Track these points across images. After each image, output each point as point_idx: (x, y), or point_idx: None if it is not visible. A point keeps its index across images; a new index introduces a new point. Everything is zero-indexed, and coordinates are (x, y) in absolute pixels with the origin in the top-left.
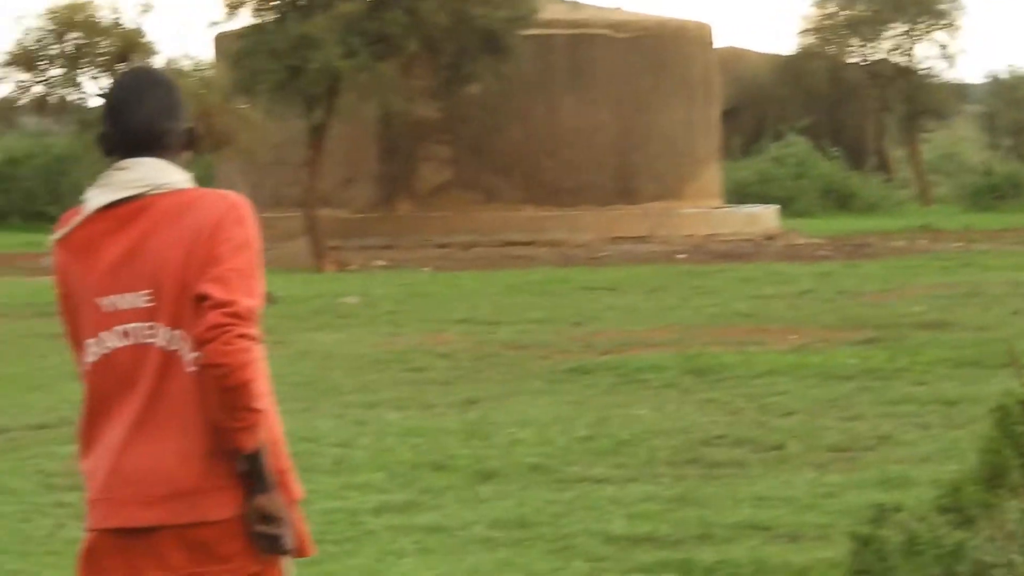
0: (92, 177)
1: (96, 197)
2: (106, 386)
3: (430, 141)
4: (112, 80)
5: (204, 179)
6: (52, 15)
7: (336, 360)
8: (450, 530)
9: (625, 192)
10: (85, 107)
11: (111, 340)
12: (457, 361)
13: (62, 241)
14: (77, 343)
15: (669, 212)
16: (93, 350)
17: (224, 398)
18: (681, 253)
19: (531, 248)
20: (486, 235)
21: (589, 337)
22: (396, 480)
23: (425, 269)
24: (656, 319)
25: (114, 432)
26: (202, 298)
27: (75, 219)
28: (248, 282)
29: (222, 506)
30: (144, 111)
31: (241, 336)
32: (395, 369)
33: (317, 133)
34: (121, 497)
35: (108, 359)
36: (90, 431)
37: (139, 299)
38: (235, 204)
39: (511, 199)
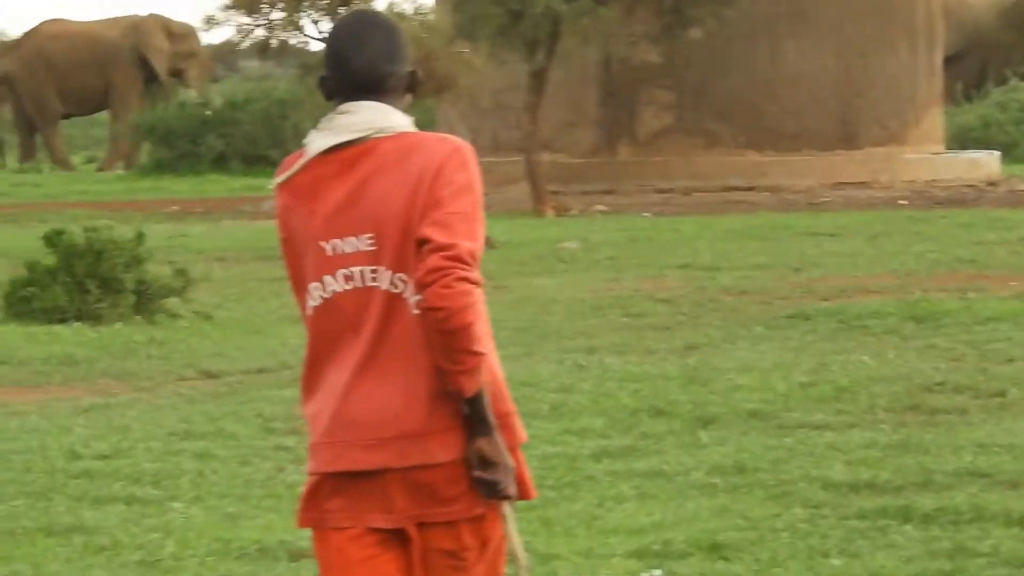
0: (313, 121)
1: (319, 140)
2: (329, 330)
3: (651, 86)
4: (334, 23)
5: (424, 123)
6: None
7: (556, 305)
8: (669, 476)
9: (847, 137)
10: (307, 50)
11: (334, 284)
12: (677, 307)
13: (285, 184)
14: (299, 287)
15: (891, 157)
16: (316, 294)
17: (444, 341)
18: (902, 199)
19: (752, 193)
20: (706, 180)
21: (810, 283)
22: (616, 425)
23: (645, 214)
24: (877, 265)
25: (338, 376)
26: (423, 241)
27: (298, 162)
28: (469, 225)
29: (446, 448)
30: (366, 54)
31: (461, 279)
32: (615, 314)
33: (538, 77)
34: (345, 440)
35: (331, 303)
36: (313, 375)
37: (362, 242)
38: (458, 148)
39: (732, 144)
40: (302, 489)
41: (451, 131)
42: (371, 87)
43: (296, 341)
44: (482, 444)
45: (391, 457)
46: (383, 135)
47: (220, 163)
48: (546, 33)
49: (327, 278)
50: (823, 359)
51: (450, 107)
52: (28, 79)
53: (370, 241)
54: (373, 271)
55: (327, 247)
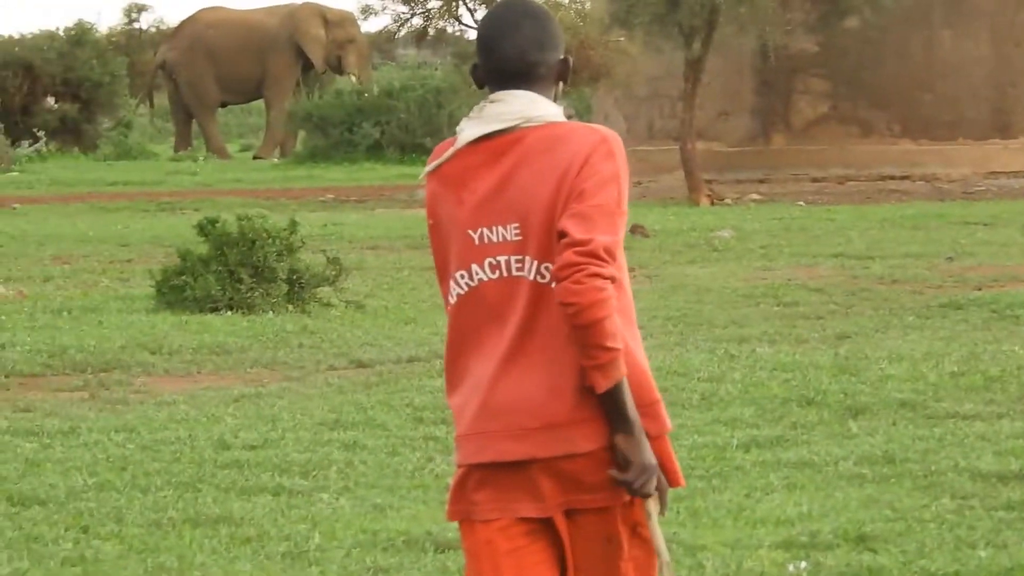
0: (468, 109)
1: (469, 129)
2: (475, 319)
3: (807, 74)
4: (487, 11)
5: (580, 111)
6: None
7: (708, 294)
8: (818, 466)
9: (1002, 126)
10: (463, 39)
11: (481, 272)
12: (829, 296)
13: (435, 173)
14: (445, 275)
15: None
16: (463, 282)
17: (577, 335)
18: None
19: (906, 182)
20: (861, 169)
21: (962, 272)
22: (765, 415)
23: (799, 203)
24: None
25: (483, 367)
26: (562, 234)
27: (448, 151)
28: (610, 219)
29: (591, 438)
30: (517, 43)
31: (593, 275)
32: (767, 303)
33: (694, 66)
34: (492, 431)
35: (477, 291)
36: (457, 366)
37: (509, 231)
38: (605, 138)
39: (887, 133)
40: (450, 481)
41: (606, 119)
42: (522, 75)
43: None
44: (619, 441)
45: (536, 447)
46: (532, 124)
47: (375, 151)
48: (703, 21)
49: (474, 266)
50: (974, 348)
51: (605, 95)
52: (187, 67)
53: (516, 231)
54: (519, 261)
55: (474, 235)
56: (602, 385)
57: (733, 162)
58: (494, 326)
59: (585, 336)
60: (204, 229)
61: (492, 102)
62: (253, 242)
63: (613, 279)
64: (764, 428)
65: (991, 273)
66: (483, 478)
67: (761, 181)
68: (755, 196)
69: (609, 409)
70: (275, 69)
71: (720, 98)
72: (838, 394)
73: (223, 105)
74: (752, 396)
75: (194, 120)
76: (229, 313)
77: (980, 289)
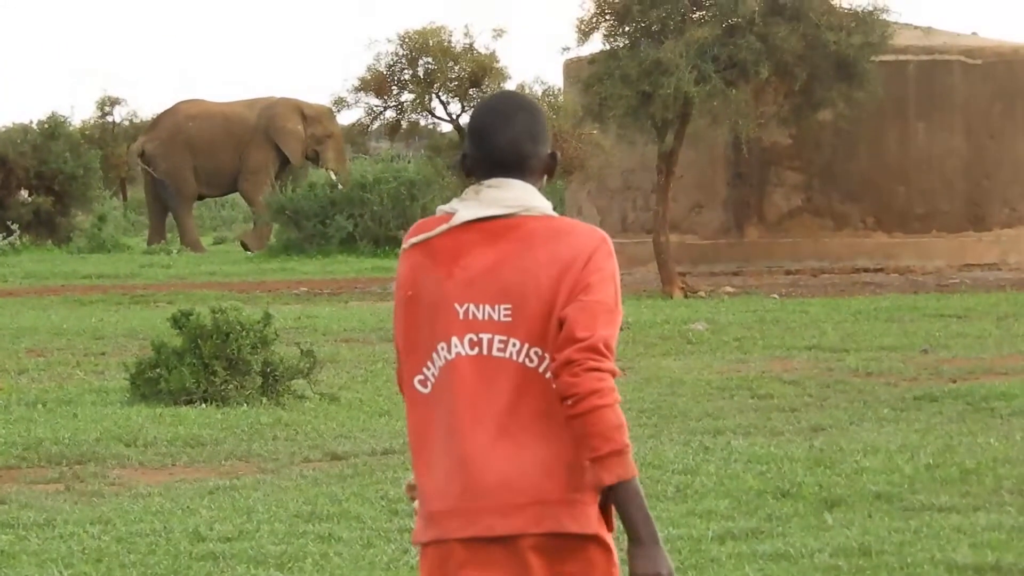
0: (443, 201)
1: (466, 210)
2: (452, 395)
3: (780, 167)
4: (480, 102)
5: (553, 204)
6: (404, 40)
7: (683, 386)
8: (794, 558)
9: (976, 219)
10: (436, 132)
11: (460, 346)
12: (804, 388)
13: (421, 245)
14: (411, 348)
15: (1020, 239)
16: (442, 354)
17: (576, 427)
18: None
19: (880, 275)
20: (835, 261)
21: (937, 364)
22: (740, 507)
23: (773, 295)
24: (1006, 347)
25: (465, 444)
26: (563, 323)
27: (442, 226)
28: (609, 315)
29: (579, 520)
30: (511, 134)
31: (591, 368)
32: (742, 396)
33: (667, 159)
34: (480, 508)
35: (453, 365)
36: (430, 444)
37: (497, 312)
38: (605, 238)
39: (861, 226)
40: (422, 562)
41: (579, 212)
42: (513, 166)
43: None
44: (629, 549)
45: (525, 523)
46: (531, 214)
47: (349, 244)
48: (676, 114)
49: (454, 339)
50: (949, 441)
51: (579, 188)
52: (165, 158)
53: (507, 312)
54: (502, 341)
55: (460, 310)
56: (605, 479)
57: (707, 255)
58: (475, 404)
59: (584, 426)
60: (178, 322)
61: (491, 187)
62: (227, 335)
63: (613, 373)
64: (739, 520)
65: (966, 365)
66: (466, 555)
67: (735, 274)
68: (729, 288)
69: (620, 512)
70: (253, 162)
71: (694, 191)
72: (813, 486)
73: (200, 198)
74: (727, 488)
75: (169, 213)
76: (203, 405)
77: (955, 381)
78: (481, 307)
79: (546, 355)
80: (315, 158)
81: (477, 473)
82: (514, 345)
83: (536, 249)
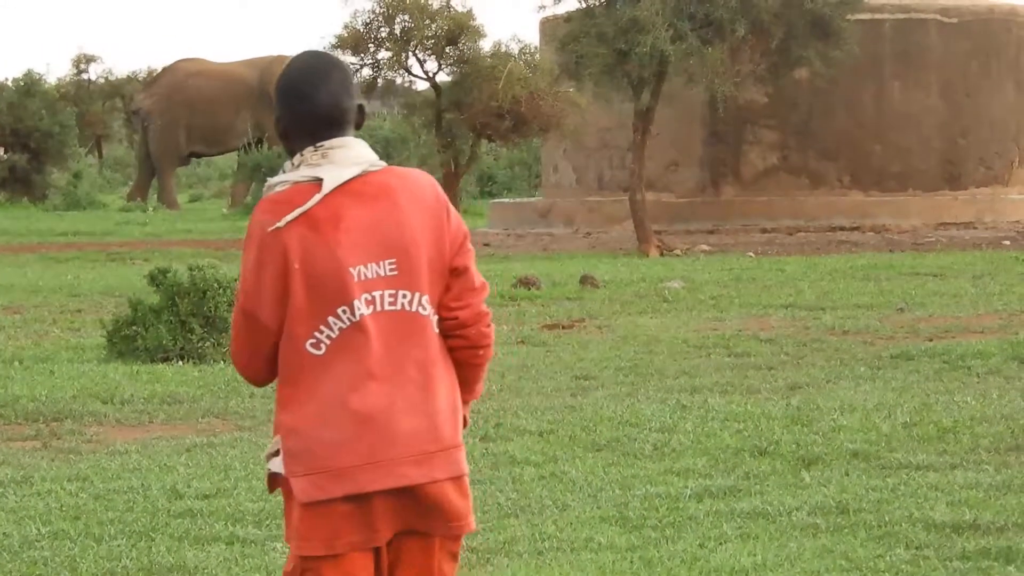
0: (418, 159)
1: (331, 173)
2: (354, 354)
3: (757, 125)
4: (288, 63)
5: (529, 161)
6: None
7: (659, 344)
8: (772, 516)
9: (952, 178)
10: (412, 90)
11: (362, 307)
12: (781, 346)
13: (303, 217)
14: (301, 316)
15: (996, 198)
16: (344, 317)
17: (469, 373)
18: (1006, 239)
19: (856, 233)
20: (811, 220)
21: (913, 323)
22: (718, 465)
23: (749, 254)
24: (981, 305)
25: (371, 399)
26: (460, 272)
27: (316, 195)
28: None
29: (464, 462)
30: (331, 90)
31: (490, 324)
32: (718, 354)
33: (643, 117)
34: (392, 458)
35: (357, 326)
36: (329, 401)
37: (383, 268)
38: (432, 179)
39: (837, 184)
40: (298, 514)
41: (556, 170)
42: (336, 122)
43: None
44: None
45: (436, 470)
46: (376, 168)
47: None
48: (652, 73)
49: (356, 302)
50: (926, 399)
51: (555, 146)
52: (161, 115)
53: (392, 266)
54: (392, 295)
55: (354, 272)
56: (467, 412)
57: (683, 213)
58: (380, 359)
59: (477, 374)
60: (155, 279)
61: (333, 148)
62: (204, 292)
63: None
64: (717, 478)
65: (942, 324)
66: (384, 507)
67: (711, 232)
68: (705, 247)
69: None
70: (253, 121)
71: (670, 149)
72: (791, 444)
73: (195, 155)
74: (704, 446)
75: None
76: (180, 363)
77: (931, 340)
78: (369, 266)
79: (430, 303)
80: None
81: (389, 425)
82: (404, 296)
83: (400, 202)
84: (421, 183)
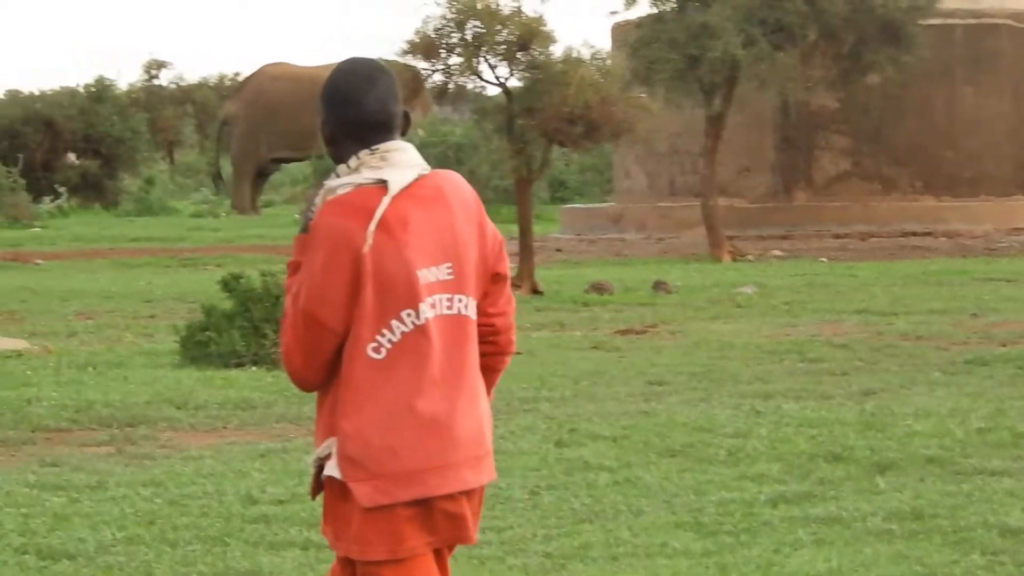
0: (490, 165)
1: (396, 176)
2: (418, 358)
3: (828, 131)
4: (336, 70)
5: (601, 167)
6: (453, 3)
7: (732, 350)
8: (846, 522)
9: (1023, 182)
10: (483, 95)
11: (427, 311)
12: (854, 352)
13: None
14: (365, 319)
15: None
16: (409, 320)
17: (492, 378)
18: None
19: (928, 239)
20: (883, 225)
21: (987, 328)
22: (792, 471)
23: (822, 259)
24: None
25: (439, 400)
26: (501, 279)
27: (385, 198)
28: None
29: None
30: (378, 96)
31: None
32: (792, 359)
33: (715, 122)
34: (457, 462)
35: (422, 330)
36: (383, 404)
37: (442, 271)
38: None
39: (909, 189)
40: (359, 519)
41: (627, 175)
42: (384, 127)
43: None
44: None
45: (485, 473)
46: (426, 172)
47: None
48: (724, 78)
49: (422, 305)
50: (1000, 405)
51: (626, 152)
52: (245, 119)
53: (448, 270)
54: (448, 299)
55: (420, 275)
56: None
57: (755, 218)
58: (440, 362)
59: (496, 380)
60: (228, 285)
61: (390, 151)
62: (277, 298)
63: None
64: (791, 484)
65: (1016, 329)
66: (415, 514)
67: (783, 237)
68: (777, 252)
69: None
70: None
71: (741, 154)
72: (865, 450)
73: (278, 161)
74: (779, 452)
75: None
76: (254, 368)
77: (1005, 345)
78: (431, 269)
79: (474, 308)
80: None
81: (452, 429)
82: (460, 300)
83: (451, 205)
84: (464, 187)
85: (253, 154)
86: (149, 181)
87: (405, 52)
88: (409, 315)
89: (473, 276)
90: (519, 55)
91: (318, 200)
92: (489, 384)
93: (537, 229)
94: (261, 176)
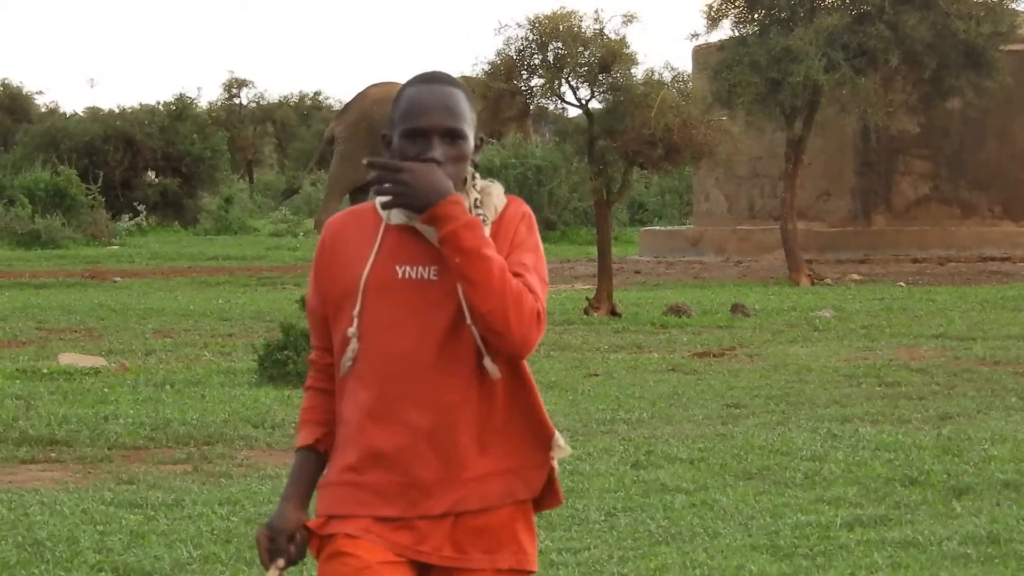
0: (570, 186)
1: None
2: None
3: (908, 155)
4: (408, 82)
5: (681, 189)
6: (535, 25)
7: (810, 373)
8: (922, 545)
9: None
10: (564, 117)
11: None
12: (931, 376)
13: None
14: None
15: None
16: None
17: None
18: None
19: (1007, 264)
20: (962, 250)
21: None
22: (869, 494)
23: (900, 284)
24: None
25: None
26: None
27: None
28: None
29: None
30: (451, 111)
31: None
32: (869, 383)
33: (796, 146)
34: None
35: None
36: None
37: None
38: None
39: (988, 214)
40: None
41: (707, 198)
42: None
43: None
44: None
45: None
46: None
47: None
48: (804, 102)
49: None
50: None
51: (707, 174)
52: (347, 140)
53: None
54: None
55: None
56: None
57: (834, 242)
58: None
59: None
60: (306, 304)
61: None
62: None
63: None
64: (868, 507)
65: None
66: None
67: (861, 261)
68: (855, 276)
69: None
70: None
71: (821, 178)
72: (941, 474)
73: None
74: (855, 475)
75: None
76: None
77: None
78: None
79: None
80: (498, 137)
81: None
82: None
83: None
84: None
85: (349, 176)
86: (228, 200)
87: (487, 73)
88: None
89: None
90: (601, 77)
91: (496, 192)
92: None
93: (616, 251)
94: (352, 198)
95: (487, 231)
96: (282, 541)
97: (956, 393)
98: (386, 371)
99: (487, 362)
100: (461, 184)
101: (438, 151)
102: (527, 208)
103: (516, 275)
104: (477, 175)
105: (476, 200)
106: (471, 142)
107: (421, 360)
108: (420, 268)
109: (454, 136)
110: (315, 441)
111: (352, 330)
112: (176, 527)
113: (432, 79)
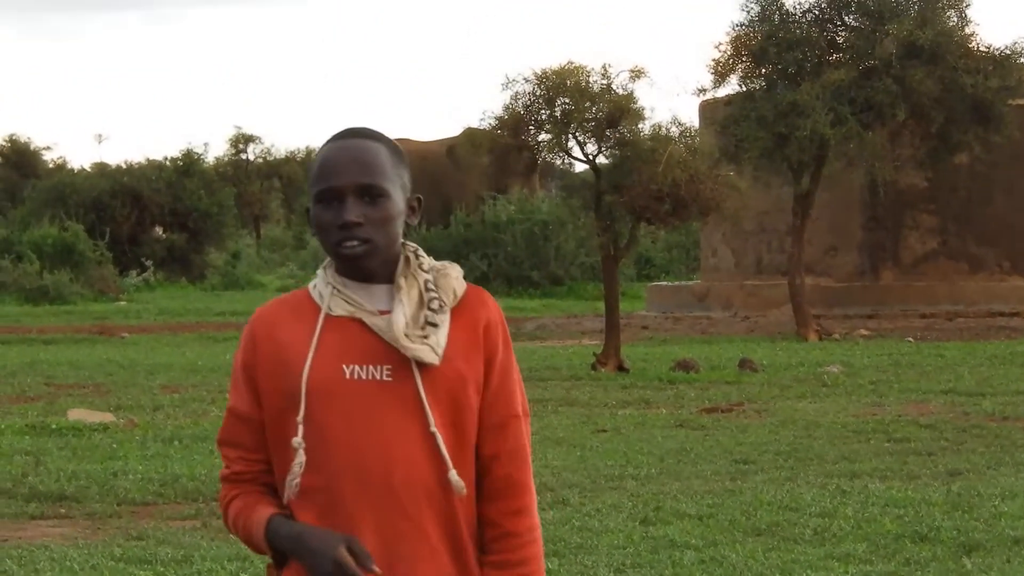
0: (577, 241)
1: None
2: None
3: (916, 210)
4: (328, 141)
5: (688, 245)
6: (542, 80)
7: (818, 429)
8: None
9: None
10: (571, 171)
11: None
12: (940, 432)
13: None
14: None
15: None
16: None
17: None
18: None
19: (1016, 319)
20: (970, 305)
21: None
22: (879, 551)
23: (908, 339)
24: None
25: None
26: None
27: None
28: None
29: None
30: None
31: None
32: (878, 439)
33: (803, 201)
34: None
35: None
36: None
37: None
38: None
39: (996, 269)
40: None
41: (715, 253)
42: None
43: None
44: None
45: None
46: None
47: (482, 283)
48: (812, 157)
49: None
50: None
51: (714, 229)
52: None
53: None
54: None
55: None
56: None
57: (841, 297)
58: None
59: None
60: None
61: None
62: None
63: None
64: (878, 564)
65: None
66: None
67: (869, 317)
68: (863, 332)
69: None
70: (447, 197)
71: (829, 233)
72: (951, 531)
73: None
74: (865, 532)
75: None
76: None
77: None
78: None
79: None
80: (504, 191)
81: None
82: None
83: None
84: None
85: None
86: (235, 255)
87: (493, 127)
88: None
89: None
90: (608, 132)
91: (455, 274)
92: None
93: (623, 306)
94: None
95: (446, 318)
96: (356, 546)
97: (965, 449)
98: (337, 489)
99: (452, 475)
100: (392, 251)
101: (353, 212)
102: (497, 308)
103: (507, 422)
104: (421, 251)
105: (427, 282)
106: (397, 202)
107: (377, 475)
108: (371, 368)
109: (372, 194)
110: (278, 509)
111: (298, 440)
112: None
113: (346, 134)
